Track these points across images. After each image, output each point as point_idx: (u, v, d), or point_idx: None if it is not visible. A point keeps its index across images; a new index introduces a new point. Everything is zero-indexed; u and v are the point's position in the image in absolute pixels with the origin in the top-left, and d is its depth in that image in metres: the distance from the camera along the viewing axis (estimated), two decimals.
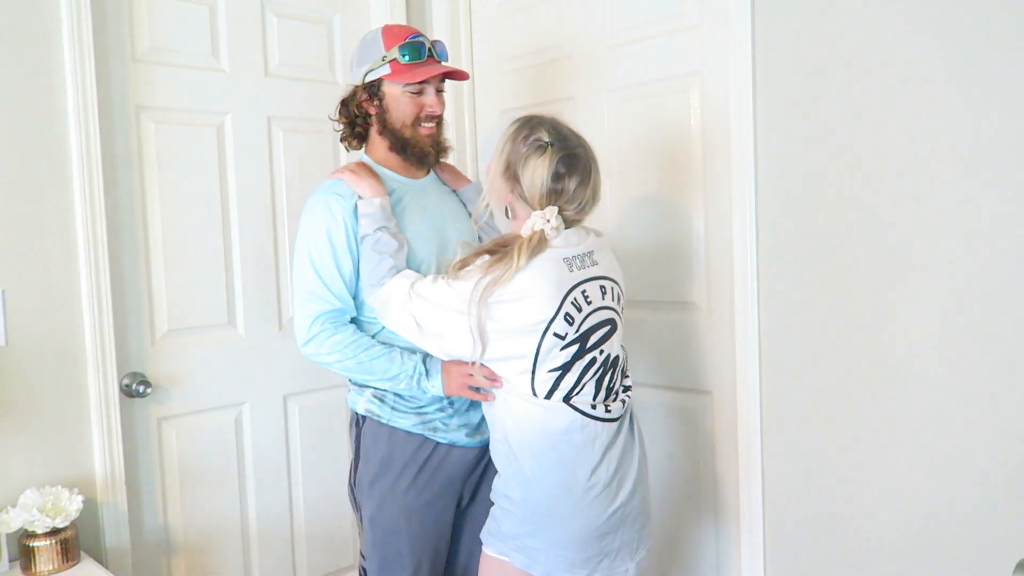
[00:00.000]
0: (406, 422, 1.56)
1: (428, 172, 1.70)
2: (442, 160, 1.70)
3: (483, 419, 1.57)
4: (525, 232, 1.37)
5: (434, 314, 1.41)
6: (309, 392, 2.25)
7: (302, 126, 2.20)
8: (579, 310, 1.38)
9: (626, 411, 1.48)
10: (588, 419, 1.40)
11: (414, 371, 1.51)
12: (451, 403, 1.58)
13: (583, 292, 1.39)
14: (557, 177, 1.37)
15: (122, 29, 1.86)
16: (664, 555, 2.03)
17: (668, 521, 2.01)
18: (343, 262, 1.52)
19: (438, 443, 1.57)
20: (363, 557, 1.65)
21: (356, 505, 1.65)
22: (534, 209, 1.39)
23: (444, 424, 1.58)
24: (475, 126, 2.42)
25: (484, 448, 1.60)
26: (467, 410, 1.60)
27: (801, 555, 1.73)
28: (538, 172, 1.37)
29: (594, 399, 1.41)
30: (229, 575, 2.09)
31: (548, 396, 1.39)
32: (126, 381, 1.87)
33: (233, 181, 2.06)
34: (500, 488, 1.49)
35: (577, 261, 1.40)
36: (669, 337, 1.96)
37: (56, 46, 1.72)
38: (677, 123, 1.90)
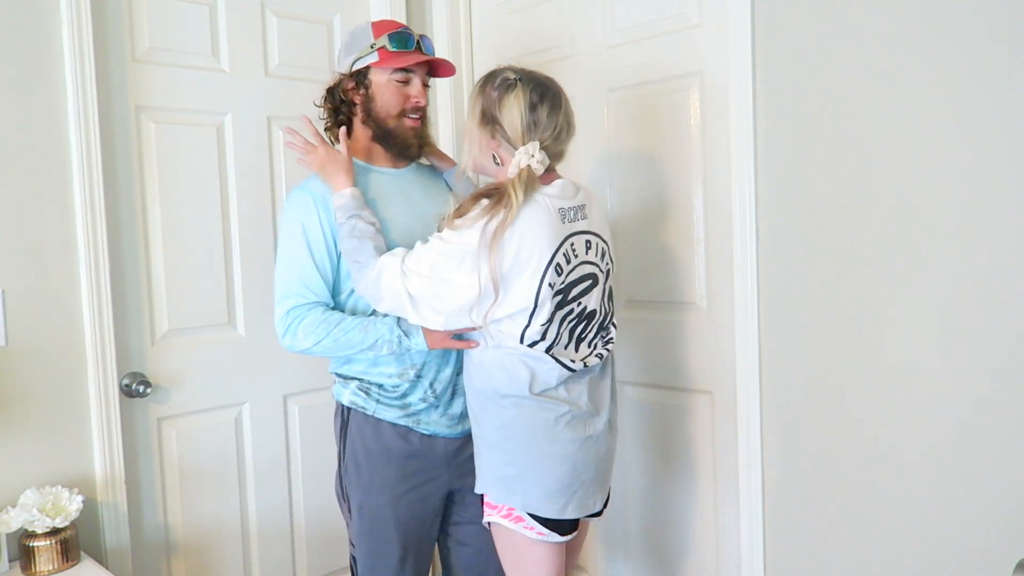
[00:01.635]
0: (390, 414, 1.59)
1: (410, 162, 1.71)
2: (424, 152, 1.71)
3: (465, 411, 1.60)
4: (512, 172, 1.39)
5: (432, 283, 1.39)
6: (309, 392, 2.24)
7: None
8: (568, 262, 1.41)
9: (602, 364, 1.51)
10: (563, 368, 1.42)
11: (391, 333, 1.50)
12: (435, 395, 1.60)
13: (571, 244, 1.41)
14: (532, 107, 1.39)
15: (122, 29, 1.86)
16: (664, 554, 2.03)
17: (668, 520, 2.01)
18: (318, 256, 1.53)
19: (422, 434, 1.60)
20: (352, 545, 1.68)
21: (344, 495, 1.68)
22: (516, 148, 1.40)
23: (427, 416, 1.60)
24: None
25: (466, 438, 1.63)
26: (450, 401, 1.62)
27: (801, 554, 1.73)
28: (514, 107, 1.39)
29: (566, 349, 1.44)
30: (229, 575, 2.09)
31: (532, 345, 1.41)
32: (126, 381, 1.87)
33: (233, 181, 2.06)
34: (479, 433, 1.50)
35: (570, 213, 1.42)
36: (669, 337, 1.96)
37: (56, 46, 1.72)
38: (677, 123, 1.90)
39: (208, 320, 2.03)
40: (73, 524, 1.66)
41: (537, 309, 1.38)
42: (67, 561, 1.63)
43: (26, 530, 1.61)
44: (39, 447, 1.72)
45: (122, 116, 1.87)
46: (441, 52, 2.34)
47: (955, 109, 1.43)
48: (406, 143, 1.62)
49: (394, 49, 1.56)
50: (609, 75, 2.03)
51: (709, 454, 1.91)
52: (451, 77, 1.76)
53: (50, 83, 1.72)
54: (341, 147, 1.61)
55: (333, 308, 1.57)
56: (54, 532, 1.62)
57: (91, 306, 1.77)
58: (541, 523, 1.44)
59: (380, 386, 1.59)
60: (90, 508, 1.78)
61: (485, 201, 1.37)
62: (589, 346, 1.49)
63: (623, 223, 2.03)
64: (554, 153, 1.44)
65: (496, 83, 1.42)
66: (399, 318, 1.50)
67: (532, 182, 1.38)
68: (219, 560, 2.07)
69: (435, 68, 1.65)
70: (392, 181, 1.64)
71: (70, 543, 1.64)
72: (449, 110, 2.38)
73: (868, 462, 1.60)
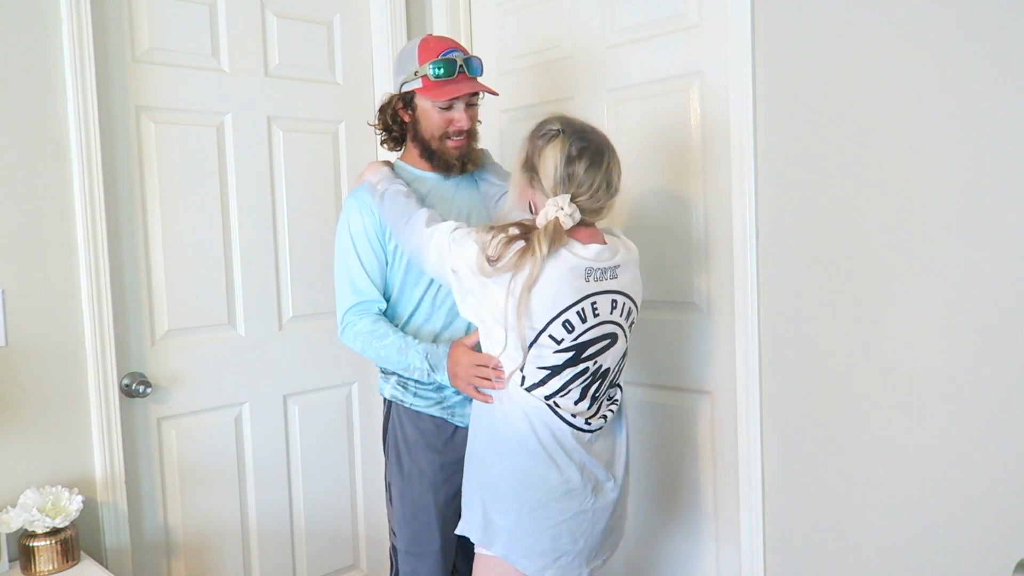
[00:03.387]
0: (428, 407, 1.68)
1: (460, 172, 1.75)
2: (468, 169, 1.75)
3: None
4: (541, 222, 1.38)
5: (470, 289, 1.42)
6: (309, 392, 2.25)
7: (302, 126, 2.20)
8: (583, 321, 1.39)
9: (609, 423, 1.49)
10: (563, 423, 1.42)
11: (421, 364, 1.59)
12: None
13: (593, 304, 1.40)
14: (569, 161, 1.38)
15: (122, 29, 1.86)
16: (664, 554, 2.03)
17: (668, 520, 2.01)
18: (366, 258, 1.65)
19: (457, 426, 1.69)
20: (394, 534, 1.74)
21: (387, 483, 1.75)
22: (548, 198, 1.39)
23: (461, 409, 1.68)
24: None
25: None
26: None
27: (801, 554, 1.73)
28: (551, 157, 1.39)
29: (576, 405, 1.42)
30: (229, 575, 2.10)
31: (532, 389, 1.40)
32: (126, 381, 1.87)
33: (233, 181, 2.07)
34: (477, 476, 1.50)
35: (598, 272, 1.40)
36: (669, 337, 1.96)
37: (56, 46, 1.72)
38: (677, 123, 1.90)
39: (208, 320, 2.03)
40: (73, 524, 1.66)
41: (531, 350, 1.38)
42: (67, 561, 1.63)
43: (26, 530, 1.61)
44: (39, 447, 1.72)
45: (122, 116, 1.87)
46: None
47: (955, 109, 1.43)
48: (448, 163, 1.70)
49: (436, 78, 1.60)
50: (609, 75, 2.03)
51: (709, 454, 1.91)
52: None
53: (50, 83, 1.72)
54: (394, 158, 1.79)
55: (386, 313, 1.68)
56: (54, 532, 1.62)
57: (91, 306, 1.77)
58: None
59: (417, 381, 1.67)
60: (90, 508, 1.78)
61: (515, 247, 1.35)
62: (602, 405, 1.48)
63: (623, 223, 2.03)
64: (590, 210, 1.41)
65: (541, 132, 1.43)
66: (428, 352, 1.57)
67: (559, 235, 1.36)
68: (219, 560, 2.07)
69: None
70: (437, 185, 1.72)
71: (70, 543, 1.64)
72: None
73: (868, 462, 1.60)
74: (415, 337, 1.64)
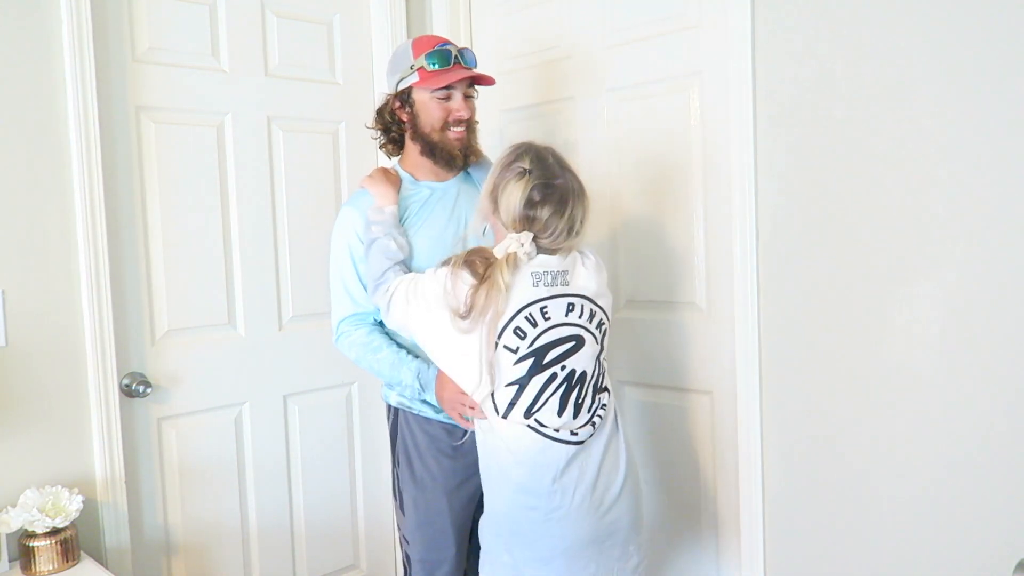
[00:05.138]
0: (436, 411, 1.66)
1: (458, 173, 1.74)
2: (470, 162, 1.75)
3: None
4: (499, 253, 1.39)
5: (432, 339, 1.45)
6: (309, 392, 2.25)
7: (302, 126, 2.20)
8: (534, 325, 1.39)
9: (598, 431, 1.46)
10: (550, 441, 1.40)
11: (413, 381, 1.58)
12: None
13: (542, 308, 1.40)
14: (530, 204, 1.39)
15: (122, 29, 1.86)
16: (664, 555, 2.03)
17: (668, 521, 2.01)
18: (363, 269, 1.62)
19: (465, 431, 1.65)
20: (406, 542, 1.71)
21: (397, 492, 1.72)
22: (508, 231, 1.41)
23: (468, 415, 1.64)
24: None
25: None
26: None
27: (801, 554, 1.73)
28: (513, 197, 1.40)
29: (559, 415, 1.41)
30: (229, 575, 2.10)
31: (508, 411, 1.40)
32: (126, 381, 1.87)
33: (233, 181, 2.07)
34: (485, 504, 1.51)
35: (547, 278, 1.41)
36: (669, 337, 1.96)
37: (56, 46, 1.72)
38: (677, 123, 1.90)
39: (208, 320, 2.03)
40: (73, 524, 1.66)
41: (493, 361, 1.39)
42: (67, 561, 1.63)
43: (26, 530, 1.61)
44: (39, 447, 1.72)
45: (122, 116, 1.87)
46: None
47: (956, 109, 1.43)
48: (451, 154, 1.67)
49: (432, 68, 1.60)
50: (609, 75, 2.03)
51: (709, 454, 1.91)
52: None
53: (50, 83, 1.72)
54: (395, 163, 1.74)
55: (381, 324, 1.66)
56: (54, 532, 1.62)
57: (91, 306, 1.76)
58: None
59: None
60: (90, 508, 1.78)
61: (481, 290, 1.36)
62: (588, 411, 1.45)
63: (623, 223, 2.03)
64: (548, 249, 1.42)
65: (512, 166, 1.43)
66: (419, 371, 1.58)
67: (516, 269, 1.38)
68: (219, 560, 2.07)
69: (477, 78, 1.68)
70: (434, 195, 1.70)
71: (70, 543, 1.64)
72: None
73: (868, 462, 1.60)
74: (408, 351, 1.62)
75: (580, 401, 1.43)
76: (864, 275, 1.57)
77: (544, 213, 1.39)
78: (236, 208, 2.07)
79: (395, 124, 1.70)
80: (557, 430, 1.40)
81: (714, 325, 1.87)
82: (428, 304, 1.42)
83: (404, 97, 1.66)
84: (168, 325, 1.96)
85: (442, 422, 1.66)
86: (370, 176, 1.67)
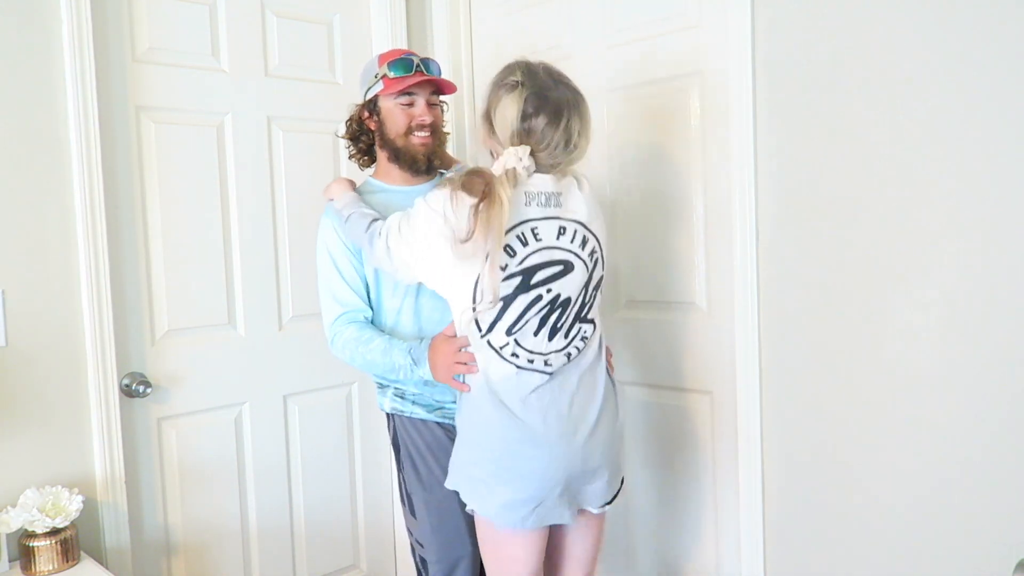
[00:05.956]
0: (428, 412, 1.68)
1: (425, 178, 1.76)
2: (437, 168, 1.77)
3: None
4: (497, 170, 1.37)
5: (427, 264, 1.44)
6: (309, 392, 2.25)
7: (302, 126, 2.20)
8: (524, 244, 1.39)
9: (573, 362, 1.46)
10: (523, 371, 1.41)
11: (404, 359, 1.57)
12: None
13: (532, 228, 1.39)
14: (525, 116, 1.37)
15: (122, 29, 1.86)
16: (664, 554, 2.03)
17: (668, 520, 2.01)
18: (346, 272, 1.66)
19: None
20: (420, 546, 1.72)
21: (406, 497, 1.73)
22: (505, 148, 1.39)
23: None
24: (475, 127, 2.42)
25: None
26: None
27: (801, 554, 1.73)
28: (508, 111, 1.39)
29: (535, 335, 1.41)
30: (229, 575, 2.10)
31: (491, 328, 1.40)
32: (126, 381, 1.87)
33: (233, 181, 2.07)
34: (459, 423, 1.51)
35: (540, 198, 1.40)
36: (669, 337, 1.96)
37: (56, 46, 1.72)
38: (677, 123, 1.90)
39: (208, 320, 2.03)
40: (73, 524, 1.66)
41: (479, 282, 1.38)
42: (67, 561, 1.63)
43: (26, 530, 1.61)
44: (39, 447, 1.72)
45: (122, 116, 1.87)
46: (441, 53, 2.35)
47: (956, 109, 1.43)
48: (415, 158, 1.70)
49: (395, 75, 1.66)
50: (609, 75, 2.03)
51: (709, 454, 1.91)
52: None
53: (50, 83, 1.72)
54: (368, 176, 1.79)
55: (372, 321, 1.69)
56: (54, 532, 1.62)
57: (91, 306, 1.77)
58: None
59: (412, 392, 1.69)
60: (90, 508, 1.78)
61: (478, 208, 1.34)
62: (566, 336, 1.45)
63: (623, 223, 2.03)
64: (546, 165, 1.41)
65: (503, 81, 1.42)
66: (412, 346, 1.57)
67: (516, 186, 1.37)
68: (219, 560, 2.07)
69: (440, 86, 1.72)
70: (403, 198, 1.69)
71: (70, 543, 1.64)
72: (447, 112, 2.37)
73: (868, 462, 1.60)
74: (401, 340, 1.63)
75: (558, 325, 1.43)
76: (864, 275, 1.57)
77: (539, 123, 1.37)
78: (236, 208, 2.07)
79: (364, 133, 1.76)
80: (531, 360, 1.41)
81: (714, 325, 1.87)
82: (427, 237, 1.40)
83: (371, 106, 1.72)
84: (168, 325, 1.96)
85: (437, 421, 1.68)
86: (326, 186, 1.74)
